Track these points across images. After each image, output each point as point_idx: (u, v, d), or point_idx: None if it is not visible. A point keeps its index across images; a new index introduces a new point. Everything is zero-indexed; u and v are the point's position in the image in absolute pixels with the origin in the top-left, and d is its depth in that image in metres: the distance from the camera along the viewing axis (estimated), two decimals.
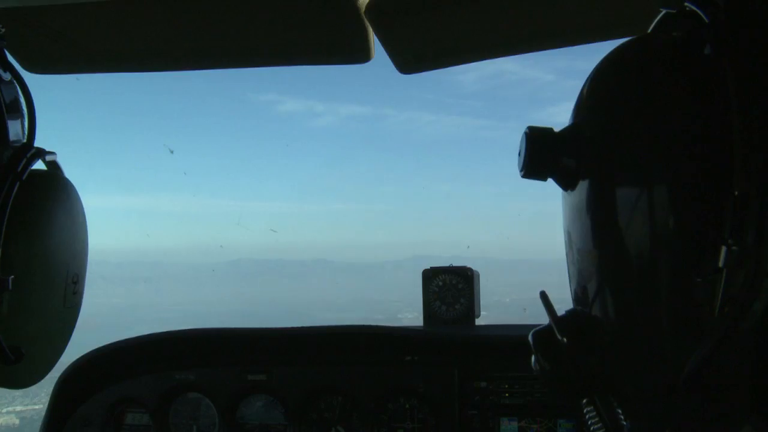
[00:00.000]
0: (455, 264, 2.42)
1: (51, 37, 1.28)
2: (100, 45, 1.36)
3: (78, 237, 0.63)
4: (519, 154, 0.72)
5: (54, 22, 1.23)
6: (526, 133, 0.70)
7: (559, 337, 0.72)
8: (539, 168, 0.71)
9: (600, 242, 0.65)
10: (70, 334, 0.67)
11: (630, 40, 0.67)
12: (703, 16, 0.59)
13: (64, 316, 0.62)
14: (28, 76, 1.40)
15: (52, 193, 0.76)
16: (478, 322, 2.40)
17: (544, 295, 0.77)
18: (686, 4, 0.62)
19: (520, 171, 0.72)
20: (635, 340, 0.63)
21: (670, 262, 0.58)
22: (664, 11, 0.66)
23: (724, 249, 0.52)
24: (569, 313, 0.74)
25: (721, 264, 0.52)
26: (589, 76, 0.69)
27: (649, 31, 0.68)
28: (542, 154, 0.70)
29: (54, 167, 0.73)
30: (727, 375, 0.57)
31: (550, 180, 0.73)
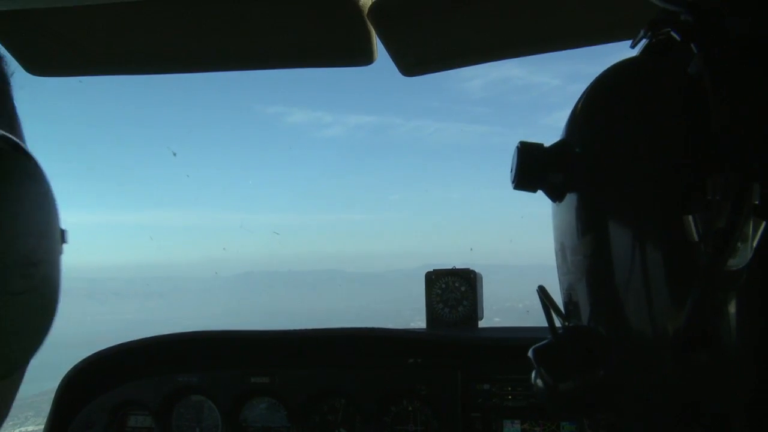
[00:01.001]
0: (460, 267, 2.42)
1: (53, 39, 1.29)
2: (103, 47, 1.37)
3: (26, 215, 0.55)
4: (511, 170, 0.76)
5: (56, 24, 1.24)
6: (517, 148, 0.75)
7: (562, 321, 0.73)
8: (528, 181, 0.75)
9: (594, 239, 0.67)
10: (33, 326, 0.57)
11: (619, 62, 0.70)
12: (675, 36, 0.62)
13: (8, 304, 0.52)
14: (31, 79, 1.41)
15: None
16: (489, 325, 2.40)
17: (543, 290, 0.78)
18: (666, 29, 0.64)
19: (512, 183, 0.76)
20: (638, 321, 0.63)
21: (660, 209, 0.60)
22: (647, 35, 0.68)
23: (709, 181, 0.54)
24: (569, 329, 0.75)
25: (709, 196, 0.54)
26: (582, 94, 0.72)
27: (637, 53, 0.70)
28: (531, 169, 0.74)
29: (2, 143, 0.58)
30: (729, 325, 0.57)
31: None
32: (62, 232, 0.61)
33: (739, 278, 0.55)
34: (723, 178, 0.53)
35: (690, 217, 0.56)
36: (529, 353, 0.75)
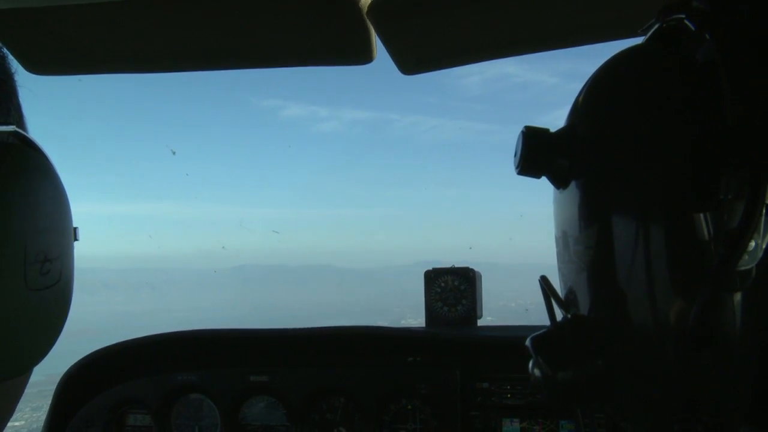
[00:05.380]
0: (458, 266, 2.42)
1: (53, 38, 1.28)
2: (102, 45, 1.36)
3: (44, 212, 0.55)
4: (515, 154, 0.75)
5: (55, 22, 1.23)
6: (522, 132, 0.73)
7: (564, 312, 0.73)
8: (533, 166, 0.73)
9: (599, 230, 0.66)
10: (50, 322, 0.57)
11: (627, 48, 0.69)
12: (690, 25, 0.61)
13: (29, 300, 0.52)
14: (31, 78, 1.40)
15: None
16: (481, 323, 2.40)
17: (545, 280, 0.77)
18: (676, 16, 0.63)
19: (516, 168, 0.74)
20: (641, 314, 0.63)
21: (669, 203, 0.59)
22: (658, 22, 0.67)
23: (722, 179, 0.53)
24: (569, 318, 0.74)
25: (721, 196, 0.53)
26: (587, 81, 0.71)
27: (644, 40, 0.70)
28: (537, 153, 0.72)
29: (15, 138, 0.59)
30: (735, 325, 0.57)
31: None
32: (74, 230, 0.61)
33: (748, 278, 0.55)
34: (736, 177, 0.53)
35: (701, 215, 0.55)
36: (527, 342, 0.74)
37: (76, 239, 0.61)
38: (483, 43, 1.38)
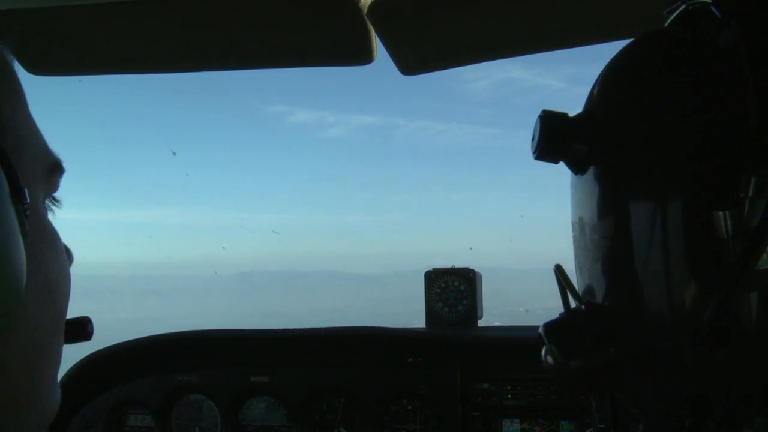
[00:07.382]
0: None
1: (53, 38, 1.29)
2: (103, 46, 1.37)
3: None
4: (532, 138, 0.73)
5: (56, 23, 1.24)
6: (540, 117, 0.71)
7: (577, 305, 0.72)
8: (551, 150, 0.72)
9: (616, 221, 0.65)
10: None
11: (649, 31, 0.68)
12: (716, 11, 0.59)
13: None
14: (31, 79, 1.41)
15: None
16: (484, 325, 2.40)
17: (559, 269, 0.76)
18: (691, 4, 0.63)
19: (533, 153, 0.73)
20: (655, 307, 0.62)
21: (687, 206, 0.58)
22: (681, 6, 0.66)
23: (744, 177, 0.52)
24: (583, 306, 0.73)
25: (741, 194, 0.52)
26: (606, 66, 0.70)
27: (667, 23, 0.68)
28: (555, 138, 0.71)
29: None
30: (750, 324, 0.56)
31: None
32: (67, 251, 0.57)
33: (766, 277, 0.54)
34: (758, 176, 0.51)
35: (720, 213, 0.54)
36: (540, 329, 0.73)
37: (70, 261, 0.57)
38: (483, 43, 1.38)
